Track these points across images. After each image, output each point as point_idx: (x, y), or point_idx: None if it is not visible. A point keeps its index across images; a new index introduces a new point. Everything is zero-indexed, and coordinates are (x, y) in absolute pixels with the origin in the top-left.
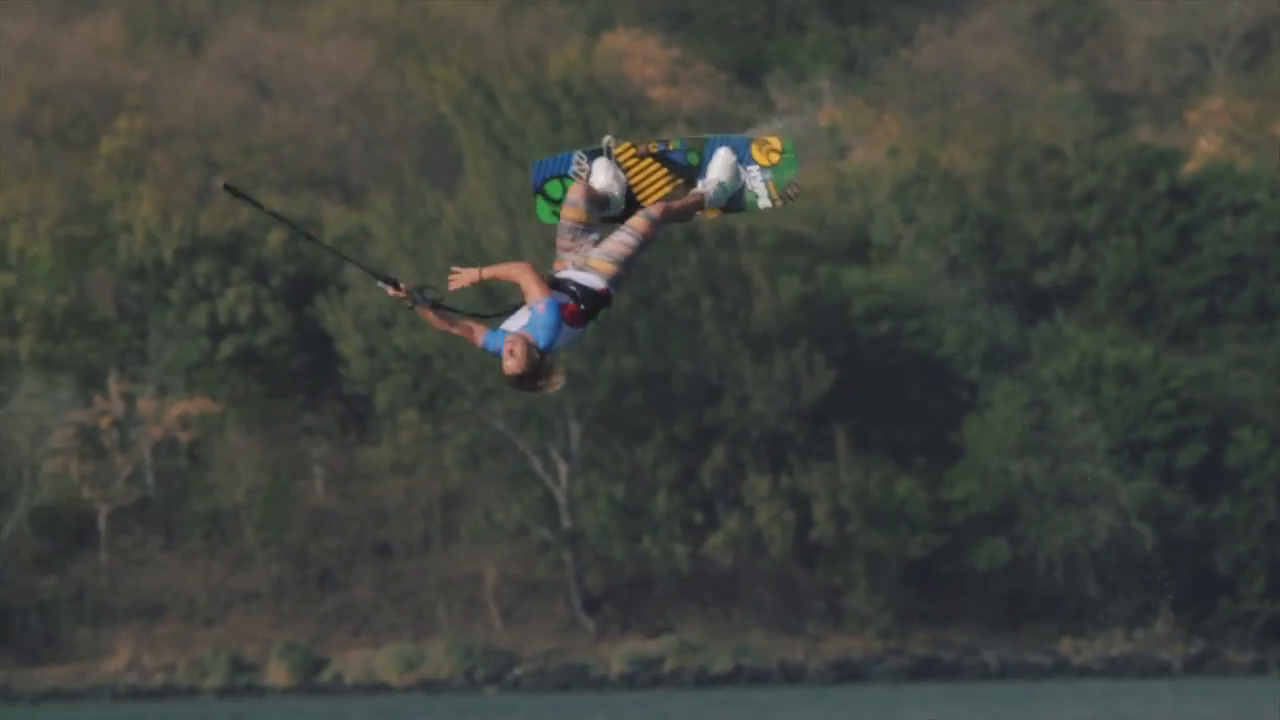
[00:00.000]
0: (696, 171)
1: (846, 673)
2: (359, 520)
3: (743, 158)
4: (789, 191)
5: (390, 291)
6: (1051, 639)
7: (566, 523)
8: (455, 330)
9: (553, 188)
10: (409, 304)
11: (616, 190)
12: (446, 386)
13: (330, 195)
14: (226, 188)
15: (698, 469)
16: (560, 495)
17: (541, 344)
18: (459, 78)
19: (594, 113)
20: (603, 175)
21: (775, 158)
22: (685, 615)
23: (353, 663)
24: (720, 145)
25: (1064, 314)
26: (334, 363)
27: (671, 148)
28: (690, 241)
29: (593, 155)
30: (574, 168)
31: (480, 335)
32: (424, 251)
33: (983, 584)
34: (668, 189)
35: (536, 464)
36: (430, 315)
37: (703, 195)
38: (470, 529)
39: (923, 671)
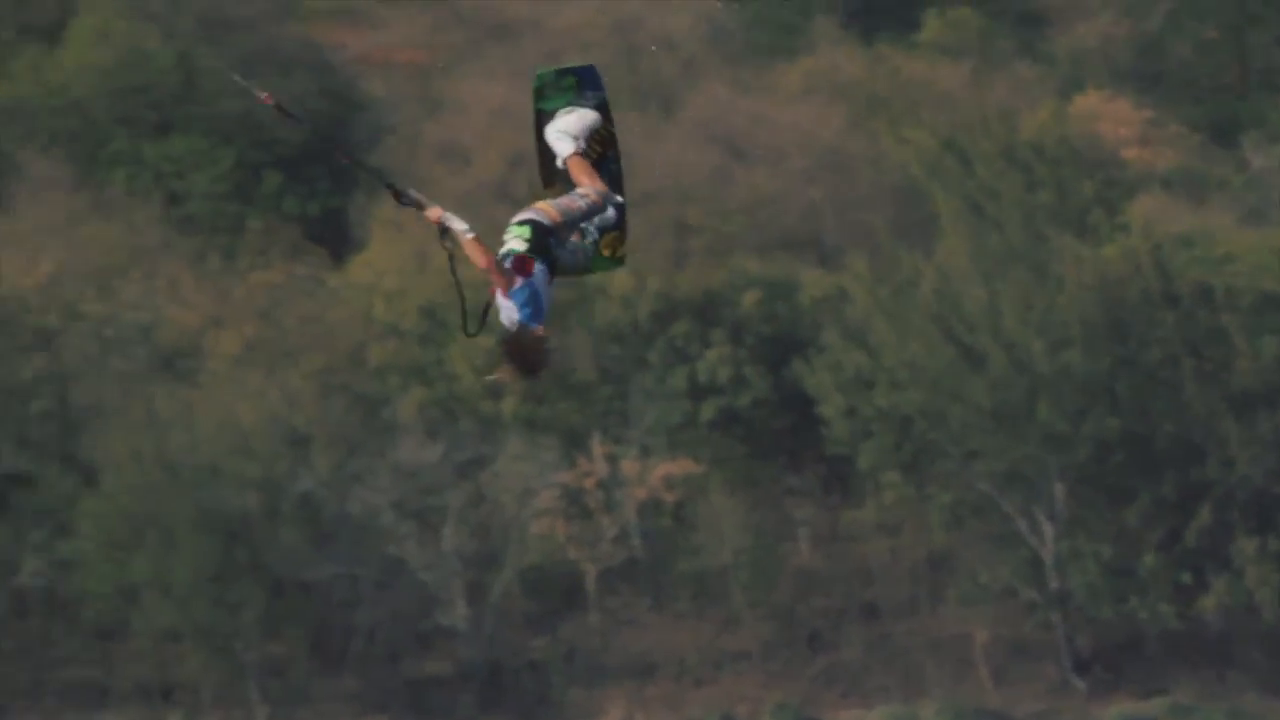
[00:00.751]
0: (604, 189)
1: None
2: (845, 581)
3: (600, 231)
4: (575, 272)
5: (431, 214)
6: None
7: (1053, 583)
8: (496, 277)
9: (562, 83)
10: (440, 225)
11: (576, 143)
12: (929, 448)
13: (806, 257)
14: (261, 100)
15: (1184, 529)
16: (1046, 556)
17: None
18: (931, 139)
19: (1067, 174)
20: (582, 123)
21: (606, 254)
22: (1177, 676)
23: None
24: (620, 204)
25: None
26: (815, 424)
27: (611, 166)
28: (1167, 302)
29: (598, 108)
30: (592, 95)
31: (503, 292)
32: (902, 313)
33: None
34: (577, 176)
35: (1021, 525)
36: (475, 247)
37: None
38: (959, 591)
39: None
